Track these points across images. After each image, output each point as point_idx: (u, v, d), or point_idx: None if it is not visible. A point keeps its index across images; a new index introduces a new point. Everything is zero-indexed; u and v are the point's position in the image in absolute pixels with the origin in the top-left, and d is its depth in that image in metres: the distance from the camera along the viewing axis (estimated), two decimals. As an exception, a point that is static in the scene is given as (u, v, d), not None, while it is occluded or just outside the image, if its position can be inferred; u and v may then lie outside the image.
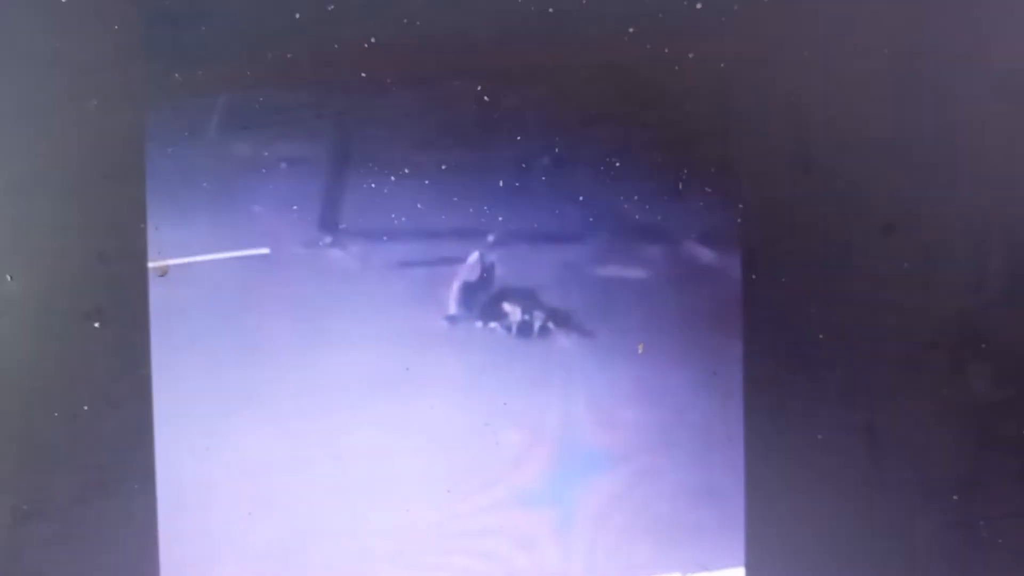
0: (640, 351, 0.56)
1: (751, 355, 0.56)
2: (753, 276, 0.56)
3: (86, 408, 0.54)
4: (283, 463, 0.55)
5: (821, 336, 0.56)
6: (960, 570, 0.57)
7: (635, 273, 0.56)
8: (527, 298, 0.56)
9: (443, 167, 0.55)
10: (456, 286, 0.55)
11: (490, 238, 0.55)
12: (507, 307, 0.55)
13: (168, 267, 0.54)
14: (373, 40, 0.54)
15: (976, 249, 0.56)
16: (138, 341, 0.54)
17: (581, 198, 0.56)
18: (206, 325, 0.54)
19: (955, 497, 0.57)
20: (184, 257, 0.54)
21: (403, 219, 0.55)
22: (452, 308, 0.55)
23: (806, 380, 0.56)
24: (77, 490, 0.54)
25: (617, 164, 0.56)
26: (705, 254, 0.56)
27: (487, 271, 0.55)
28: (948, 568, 0.57)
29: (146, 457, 0.54)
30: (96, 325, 0.54)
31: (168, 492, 0.54)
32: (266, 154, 0.54)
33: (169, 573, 0.54)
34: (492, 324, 0.55)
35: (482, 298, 0.55)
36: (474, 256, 0.55)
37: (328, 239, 0.55)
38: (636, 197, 0.56)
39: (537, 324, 0.55)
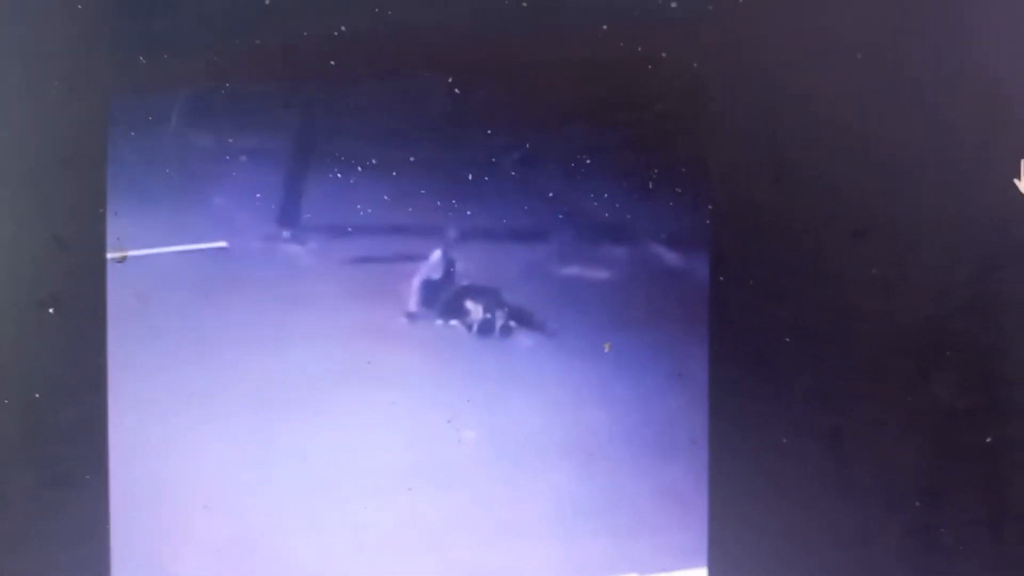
0: (607, 350, 0.56)
1: (717, 357, 0.56)
2: (721, 278, 0.56)
3: (38, 396, 0.53)
4: (240, 458, 0.54)
5: (787, 340, 0.56)
6: (921, 577, 0.57)
7: (602, 273, 0.56)
8: (489, 296, 0.55)
9: (411, 159, 0.54)
10: (417, 283, 0.54)
11: (453, 234, 0.55)
12: (469, 305, 0.55)
13: (127, 254, 0.53)
14: (343, 28, 0.54)
15: (944, 256, 0.56)
16: (94, 330, 0.53)
17: (551, 195, 0.55)
18: (164, 316, 0.53)
19: (918, 503, 0.57)
20: (143, 249, 0.53)
21: (368, 211, 0.54)
22: (412, 305, 0.54)
23: (772, 384, 0.56)
24: (28, 482, 0.53)
25: (587, 162, 0.55)
26: (673, 255, 0.56)
27: (450, 268, 0.54)
28: (910, 574, 0.57)
29: (99, 448, 0.53)
30: (51, 312, 0.53)
31: (121, 485, 0.53)
32: (230, 141, 0.53)
33: (120, 567, 0.53)
34: (453, 322, 0.55)
35: (444, 296, 0.55)
36: (437, 253, 0.54)
37: (287, 234, 0.54)
38: (606, 195, 0.55)
39: (499, 323, 0.55)
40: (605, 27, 0.55)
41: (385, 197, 0.54)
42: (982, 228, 0.56)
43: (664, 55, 0.55)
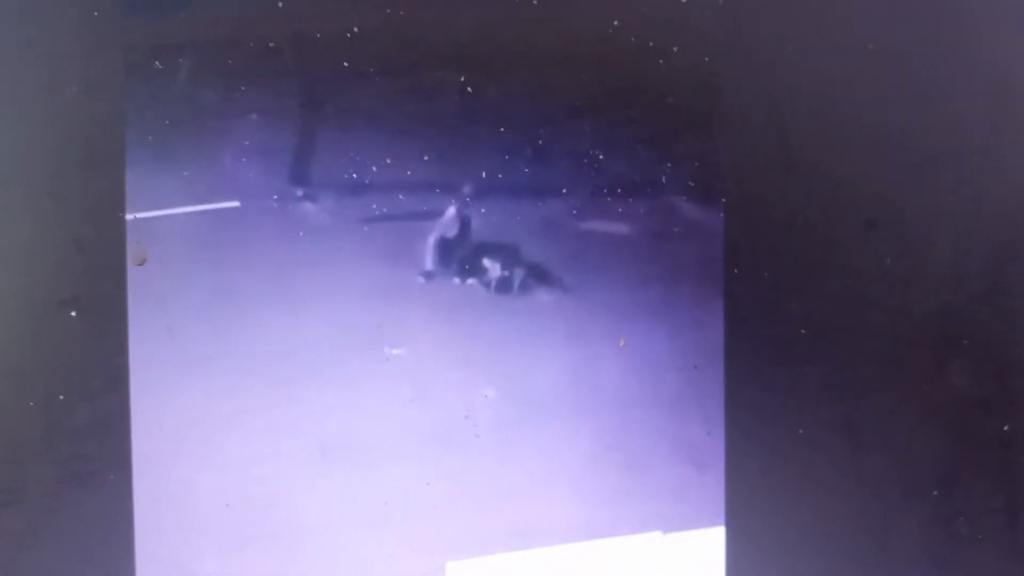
0: (622, 344, 0.56)
1: (733, 350, 0.56)
2: (735, 271, 0.56)
3: (62, 398, 0.53)
4: (261, 454, 0.54)
5: (803, 331, 0.56)
6: (940, 566, 0.57)
7: (617, 260, 0.56)
8: (507, 253, 0.55)
9: (425, 158, 0.55)
10: (433, 241, 0.55)
11: (468, 191, 0.55)
12: (487, 263, 0.55)
13: (146, 256, 0.53)
14: (356, 30, 0.54)
15: (958, 247, 0.56)
16: (115, 331, 0.53)
17: (564, 191, 0.55)
18: (180, 291, 0.53)
19: (935, 493, 0.57)
20: (154, 210, 0.53)
21: (384, 167, 0.54)
22: (429, 264, 0.55)
23: (787, 375, 0.56)
24: (52, 481, 0.53)
25: (600, 157, 0.55)
26: (687, 248, 0.56)
27: (465, 226, 0.55)
28: (928, 564, 0.57)
29: (122, 447, 0.53)
30: (73, 314, 0.53)
31: (144, 483, 0.54)
32: (240, 99, 0.54)
33: (145, 566, 0.54)
34: (471, 280, 0.55)
35: (461, 254, 0.55)
36: (451, 210, 0.55)
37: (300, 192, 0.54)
38: (619, 190, 0.56)
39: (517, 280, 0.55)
40: (616, 23, 0.55)
41: (388, 160, 0.54)
42: (995, 218, 0.56)
43: (675, 49, 0.55)
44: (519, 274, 0.55)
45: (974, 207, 0.56)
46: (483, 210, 0.55)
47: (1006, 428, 0.57)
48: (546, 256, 0.55)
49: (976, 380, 0.57)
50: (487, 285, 0.55)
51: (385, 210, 0.54)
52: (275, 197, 0.54)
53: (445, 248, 0.55)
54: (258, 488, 0.54)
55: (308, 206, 0.54)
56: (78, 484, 0.53)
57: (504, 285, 0.55)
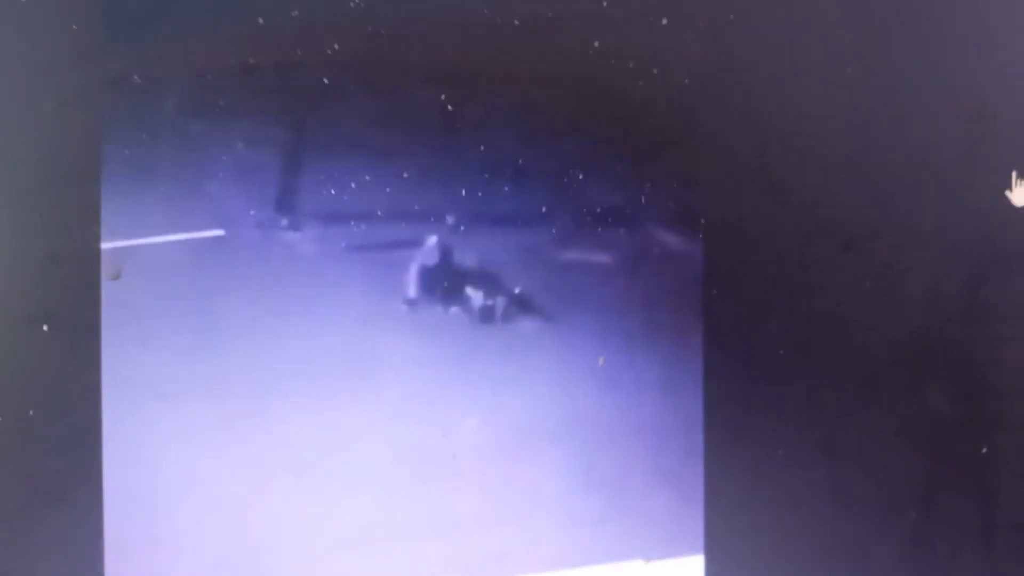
0: (601, 364, 0.56)
1: (711, 370, 0.56)
2: (714, 291, 0.56)
3: (32, 413, 0.52)
4: (236, 469, 0.54)
5: (781, 352, 0.56)
6: (917, 588, 0.57)
7: (594, 278, 0.56)
8: (490, 282, 0.55)
9: (405, 175, 0.55)
10: (416, 270, 0.54)
11: (451, 221, 0.55)
12: (470, 291, 0.55)
13: (121, 271, 0.53)
14: (337, 47, 0.54)
15: (935, 267, 0.57)
16: (88, 346, 0.53)
17: (544, 209, 0.55)
18: (156, 312, 0.53)
19: (913, 514, 0.57)
20: (137, 239, 0.53)
21: (367, 199, 0.54)
22: (413, 292, 0.54)
23: (766, 396, 0.56)
24: (21, 497, 0.52)
25: (580, 177, 0.56)
26: (666, 269, 0.56)
27: (448, 255, 0.55)
28: (906, 584, 0.57)
29: (94, 464, 0.53)
30: (45, 328, 0.53)
31: (115, 500, 0.53)
32: (225, 136, 0.54)
33: (114, 585, 0.53)
34: (454, 308, 0.55)
35: (445, 282, 0.55)
36: (433, 239, 0.55)
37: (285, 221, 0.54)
38: (599, 210, 0.56)
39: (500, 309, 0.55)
40: (597, 44, 0.55)
41: (368, 178, 0.54)
42: (972, 239, 0.57)
43: (655, 71, 0.56)
44: (502, 303, 0.55)
45: (951, 228, 0.57)
46: (464, 232, 0.55)
47: (984, 450, 0.57)
48: (528, 284, 0.55)
49: (954, 401, 0.57)
50: (470, 313, 0.55)
51: (367, 232, 0.54)
52: (257, 223, 0.54)
53: (427, 276, 0.55)
54: (231, 507, 0.54)
55: (291, 234, 0.54)
56: (48, 500, 0.53)
57: (487, 314, 0.55)
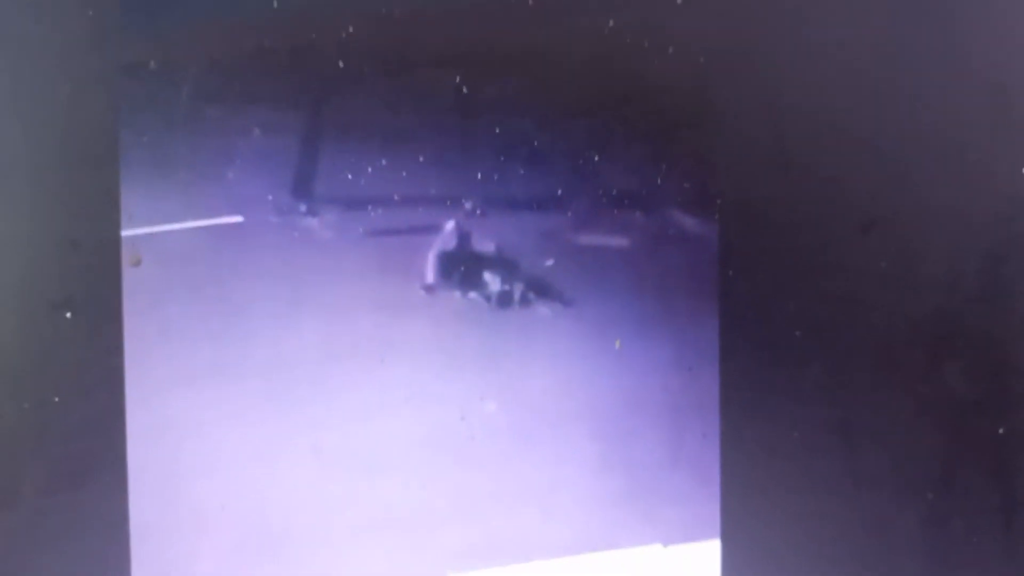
0: (618, 346, 0.56)
1: (727, 352, 0.56)
2: (730, 272, 0.56)
3: (56, 399, 0.53)
4: (258, 453, 0.54)
5: (798, 333, 0.56)
6: (935, 567, 0.57)
7: (611, 262, 0.56)
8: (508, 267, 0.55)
9: (420, 158, 0.55)
10: (434, 255, 0.55)
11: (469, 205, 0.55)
12: (488, 276, 0.55)
13: (141, 257, 0.53)
14: (351, 30, 0.54)
15: (953, 248, 0.56)
16: (110, 330, 0.53)
17: (559, 192, 0.55)
18: (177, 297, 0.53)
19: (930, 495, 0.57)
20: (156, 225, 0.53)
21: (386, 184, 0.54)
22: (431, 278, 0.55)
23: (783, 377, 0.56)
24: (46, 482, 0.53)
25: (596, 158, 0.55)
26: (683, 251, 0.56)
27: (466, 239, 0.55)
28: (923, 565, 0.57)
29: (117, 449, 0.53)
30: (68, 315, 0.53)
31: (140, 485, 0.54)
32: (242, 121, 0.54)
33: (140, 567, 0.54)
34: (472, 294, 0.55)
35: (463, 268, 0.55)
36: (451, 224, 0.55)
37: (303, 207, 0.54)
38: (614, 191, 0.56)
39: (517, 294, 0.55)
40: (612, 23, 0.55)
41: (384, 162, 0.54)
42: (989, 219, 0.56)
43: (671, 50, 0.55)
44: (519, 287, 0.55)
45: (969, 208, 0.56)
46: (480, 216, 0.55)
47: (1001, 431, 0.57)
48: (545, 268, 0.55)
49: (972, 381, 0.57)
50: (488, 299, 0.55)
51: (384, 217, 0.54)
52: (276, 210, 0.54)
53: (445, 261, 0.55)
54: (254, 490, 0.54)
55: (309, 220, 0.54)
56: (73, 485, 0.53)
57: (504, 298, 0.55)
